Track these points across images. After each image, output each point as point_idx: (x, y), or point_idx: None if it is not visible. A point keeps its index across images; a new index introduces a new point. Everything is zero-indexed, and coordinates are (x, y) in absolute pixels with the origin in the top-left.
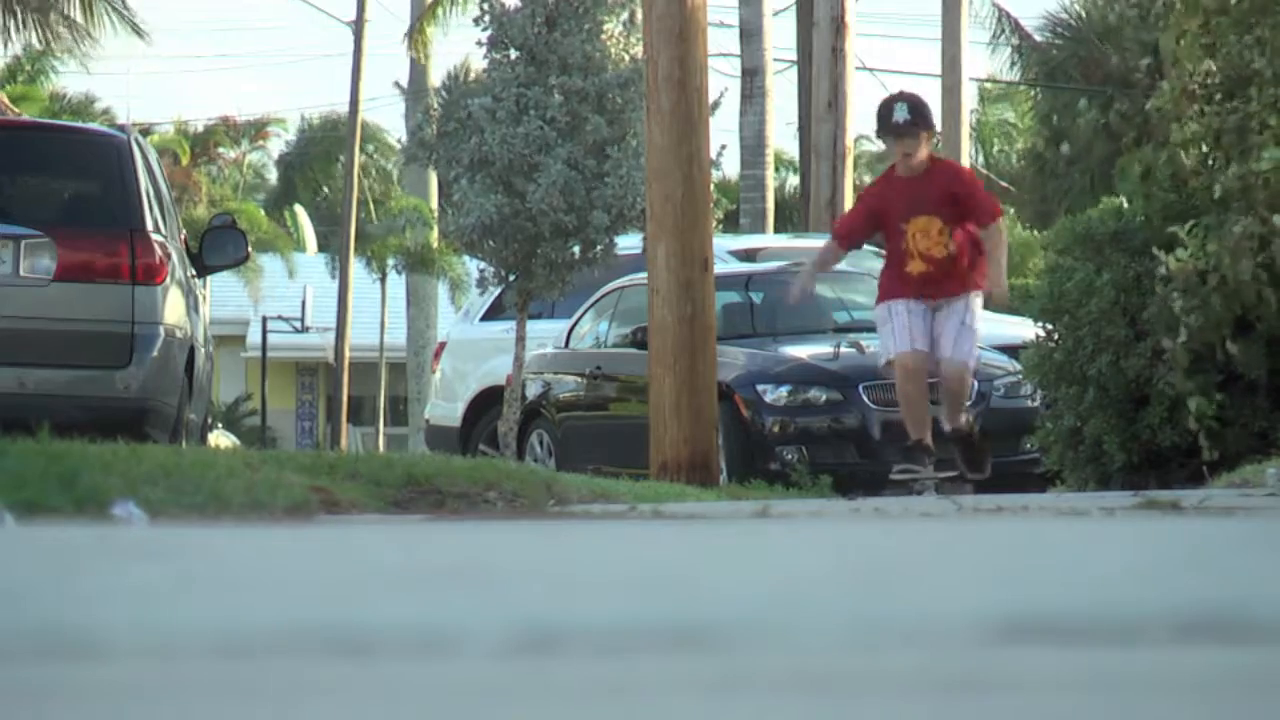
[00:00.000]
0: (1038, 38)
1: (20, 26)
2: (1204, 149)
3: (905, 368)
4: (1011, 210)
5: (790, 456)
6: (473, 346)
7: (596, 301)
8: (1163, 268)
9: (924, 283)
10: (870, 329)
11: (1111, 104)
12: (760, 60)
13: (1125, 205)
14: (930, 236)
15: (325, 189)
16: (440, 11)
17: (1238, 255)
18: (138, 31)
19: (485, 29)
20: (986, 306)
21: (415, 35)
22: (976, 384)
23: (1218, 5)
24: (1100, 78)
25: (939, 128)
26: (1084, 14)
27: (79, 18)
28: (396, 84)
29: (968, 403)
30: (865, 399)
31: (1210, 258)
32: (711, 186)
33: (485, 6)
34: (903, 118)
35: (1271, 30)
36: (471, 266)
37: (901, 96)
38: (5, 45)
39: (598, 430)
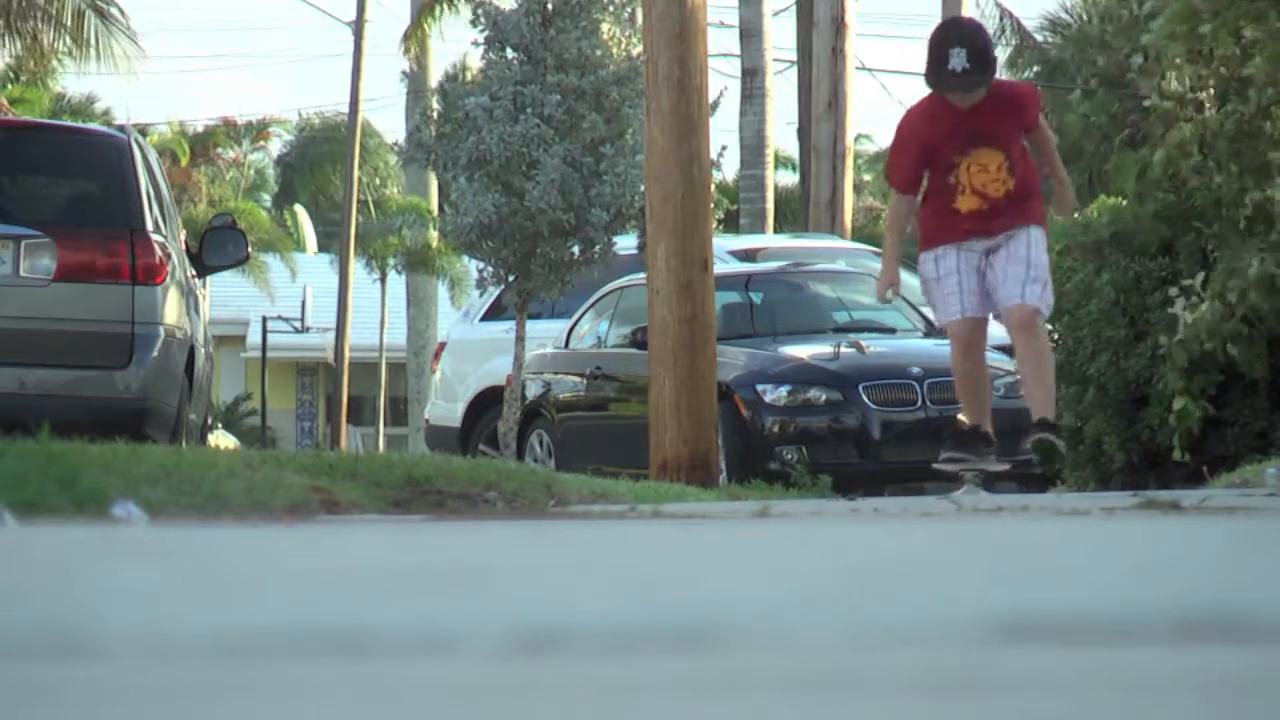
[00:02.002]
0: (1038, 38)
1: (11, 38)
2: (1200, 153)
3: (961, 339)
4: None
5: (790, 456)
6: (473, 346)
7: (596, 301)
8: (1187, 316)
9: (975, 219)
10: (870, 329)
11: (1102, 102)
12: (760, 60)
13: (1123, 203)
14: (989, 172)
15: (323, 189)
16: (436, 13)
17: (1259, 288)
18: (129, 59)
19: (481, 30)
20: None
21: (411, 38)
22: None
23: (1209, 8)
24: (1092, 77)
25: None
26: (1083, 15)
27: (71, 44)
28: (403, 73)
29: (1051, 371)
30: (865, 399)
31: (1230, 291)
32: (712, 186)
33: (480, 8)
34: (961, 66)
35: (1267, 34)
36: (471, 266)
37: (959, 36)
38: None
39: (598, 430)
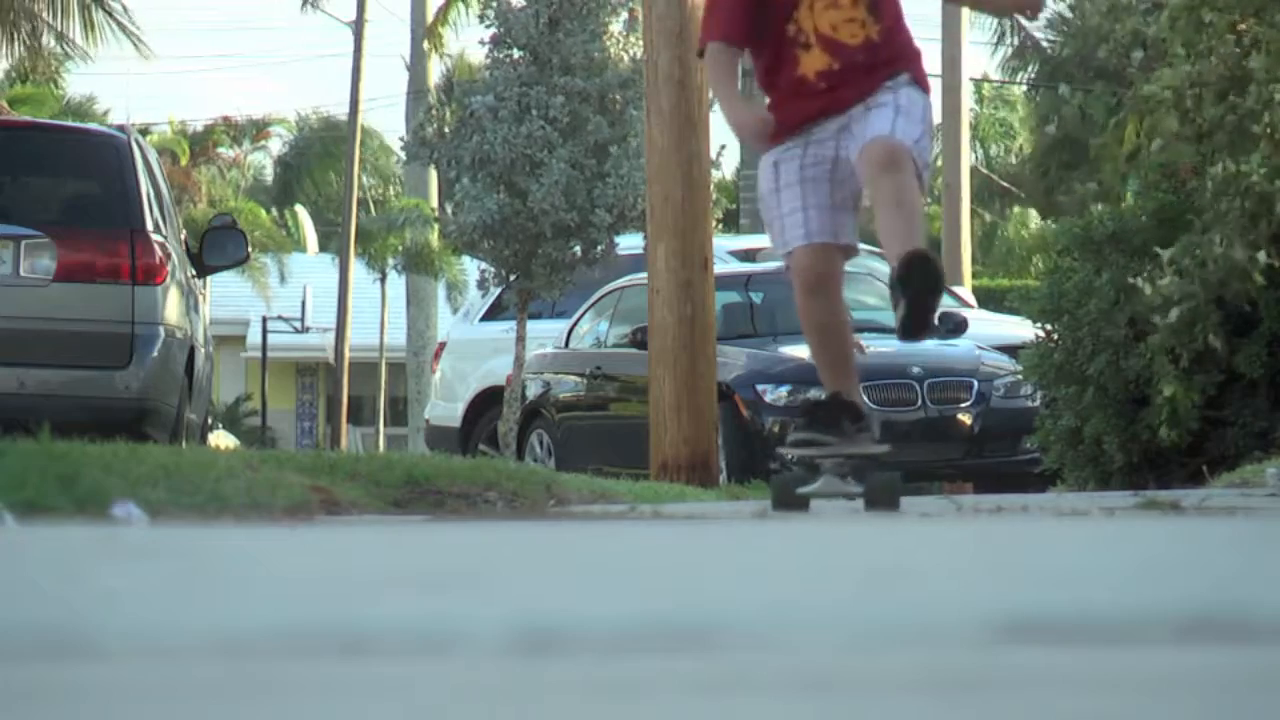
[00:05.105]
0: (1040, 37)
1: (11, 41)
2: (1197, 149)
3: (807, 273)
4: (1015, 210)
5: (790, 456)
6: (473, 346)
7: (596, 301)
8: (1147, 288)
9: (826, 82)
10: (870, 329)
11: (1096, 96)
12: None
13: (1125, 200)
14: (840, 7)
15: (322, 189)
16: (453, 11)
17: (1223, 267)
18: (137, 45)
19: (490, 26)
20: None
21: (432, 32)
22: (973, 383)
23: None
24: (1088, 73)
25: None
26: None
27: (79, 34)
28: (403, 58)
29: (918, 215)
30: (865, 399)
31: (1196, 269)
32: (711, 186)
33: (491, 4)
34: None
35: (1268, 30)
36: (470, 267)
37: None
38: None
39: (598, 430)
